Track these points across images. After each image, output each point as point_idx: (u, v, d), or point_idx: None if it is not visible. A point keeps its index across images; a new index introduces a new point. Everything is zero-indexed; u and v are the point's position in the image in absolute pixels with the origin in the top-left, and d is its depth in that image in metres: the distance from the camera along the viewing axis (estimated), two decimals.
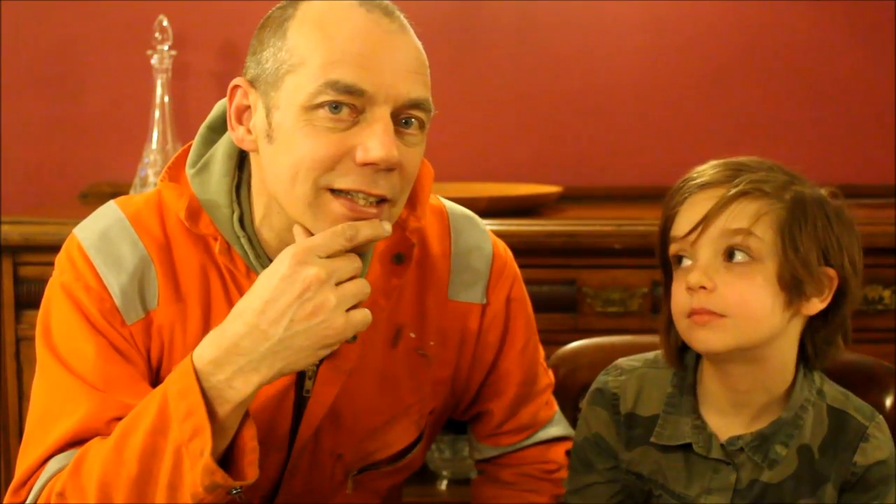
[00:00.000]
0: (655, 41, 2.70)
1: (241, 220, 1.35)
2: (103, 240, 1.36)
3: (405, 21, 1.31)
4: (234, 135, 1.33)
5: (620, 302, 2.23)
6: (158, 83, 2.47)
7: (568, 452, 1.54)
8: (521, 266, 1.56)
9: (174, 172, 1.39)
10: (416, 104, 1.28)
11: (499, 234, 1.56)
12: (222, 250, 1.34)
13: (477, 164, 2.71)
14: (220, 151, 1.37)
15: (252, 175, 1.36)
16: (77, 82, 2.72)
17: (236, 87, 1.32)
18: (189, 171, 1.37)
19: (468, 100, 2.70)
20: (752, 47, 2.71)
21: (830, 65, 2.71)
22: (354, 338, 1.31)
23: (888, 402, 1.54)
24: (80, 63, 2.71)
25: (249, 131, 1.31)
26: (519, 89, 2.71)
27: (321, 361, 1.37)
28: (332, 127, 1.25)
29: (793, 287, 1.30)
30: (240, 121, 1.32)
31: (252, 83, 1.30)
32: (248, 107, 1.31)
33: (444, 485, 2.45)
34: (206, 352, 1.23)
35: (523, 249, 2.12)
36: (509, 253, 1.55)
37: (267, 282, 1.23)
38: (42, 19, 2.69)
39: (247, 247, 1.35)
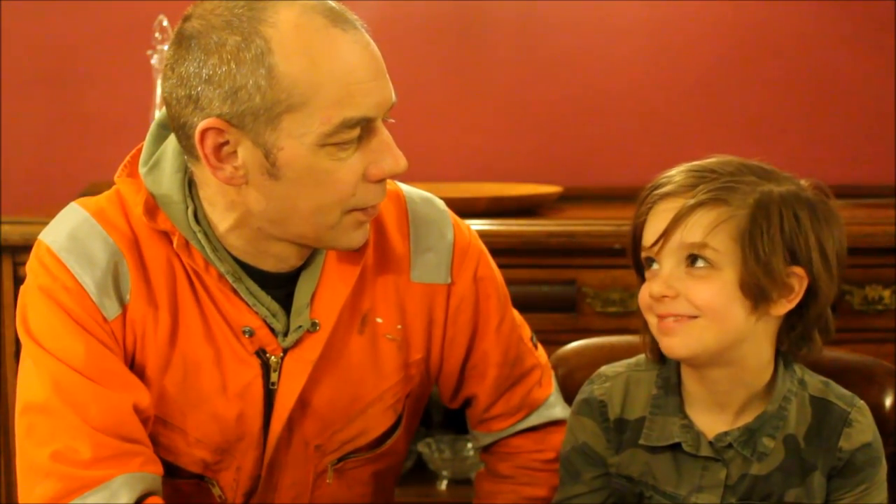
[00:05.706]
0: (655, 41, 2.70)
1: (195, 215, 1.35)
2: (72, 240, 1.35)
3: (359, 21, 1.30)
4: (221, 174, 1.29)
5: (620, 302, 2.23)
6: (158, 83, 2.46)
7: None
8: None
9: (130, 170, 1.39)
10: (393, 103, 1.31)
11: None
12: (180, 245, 1.34)
13: (477, 164, 2.71)
14: (171, 148, 1.37)
15: (213, 190, 1.33)
16: (77, 82, 2.71)
17: (208, 129, 1.26)
18: (142, 170, 1.37)
19: (468, 100, 2.70)
20: (751, 47, 2.71)
21: (830, 65, 2.71)
22: (316, 325, 1.35)
23: (888, 402, 1.54)
24: (80, 63, 2.71)
25: (237, 168, 1.29)
26: (519, 89, 2.71)
27: (285, 353, 1.38)
28: (346, 156, 1.28)
29: (756, 293, 1.30)
30: (220, 159, 1.28)
31: (229, 121, 1.25)
32: (225, 143, 1.27)
33: (444, 485, 2.44)
34: None
35: (523, 249, 2.13)
36: (473, 233, 1.54)
37: None
38: (42, 19, 2.69)
39: (203, 241, 1.35)
